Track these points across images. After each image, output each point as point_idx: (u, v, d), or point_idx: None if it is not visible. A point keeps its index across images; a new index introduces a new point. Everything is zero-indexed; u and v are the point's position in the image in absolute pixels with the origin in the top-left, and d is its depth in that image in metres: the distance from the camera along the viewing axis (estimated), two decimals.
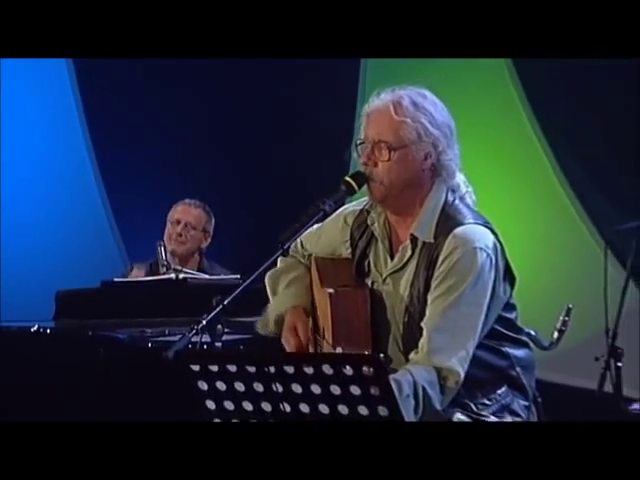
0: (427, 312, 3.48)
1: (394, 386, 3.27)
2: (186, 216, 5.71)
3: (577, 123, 6.88)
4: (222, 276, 5.21)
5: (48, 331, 4.83)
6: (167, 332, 4.68)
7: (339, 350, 3.50)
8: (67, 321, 5.15)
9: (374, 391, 3.04)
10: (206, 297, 3.68)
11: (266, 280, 3.84)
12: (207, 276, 5.24)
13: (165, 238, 5.70)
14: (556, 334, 4.65)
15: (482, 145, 6.87)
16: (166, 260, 5.48)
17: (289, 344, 3.71)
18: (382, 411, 3.06)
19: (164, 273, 5.39)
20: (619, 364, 4.37)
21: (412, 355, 3.48)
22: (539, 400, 4.47)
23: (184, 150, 7.97)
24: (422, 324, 3.48)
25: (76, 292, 5.30)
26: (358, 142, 3.57)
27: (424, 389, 3.36)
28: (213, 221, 5.75)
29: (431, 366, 3.40)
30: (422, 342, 3.45)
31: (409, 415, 3.32)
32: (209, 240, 5.75)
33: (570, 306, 4.63)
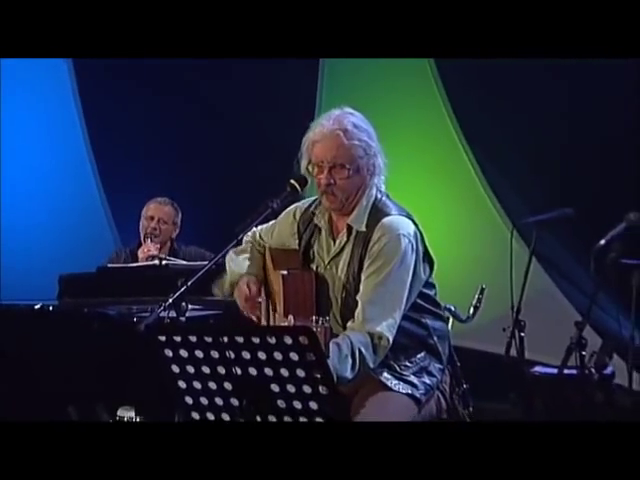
0: (361, 288, 3.53)
1: (335, 348, 3.35)
2: (158, 213, 5.72)
3: (493, 122, 6.81)
4: (194, 262, 5.20)
5: (50, 309, 4.80)
6: (150, 309, 4.66)
7: (290, 320, 3.52)
8: (67, 300, 5.11)
9: (309, 357, 3.07)
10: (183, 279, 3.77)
11: (226, 259, 3.84)
12: (184, 262, 5.25)
13: (141, 230, 5.69)
14: (472, 310, 4.69)
15: (406, 142, 6.78)
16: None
17: (242, 304, 3.76)
18: (316, 373, 3.09)
19: (148, 260, 5.42)
20: (522, 334, 4.38)
21: (349, 324, 3.52)
22: (458, 364, 4.51)
23: (169, 147, 7.76)
24: (357, 298, 3.52)
25: (75, 276, 5.25)
26: (313, 163, 3.59)
27: (360, 350, 3.40)
28: (180, 214, 5.75)
29: (365, 332, 3.45)
30: (357, 313, 3.50)
31: (347, 372, 3.36)
32: (177, 230, 5.77)
33: (483, 286, 4.67)
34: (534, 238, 4.45)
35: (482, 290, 4.66)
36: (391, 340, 3.47)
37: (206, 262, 3.77)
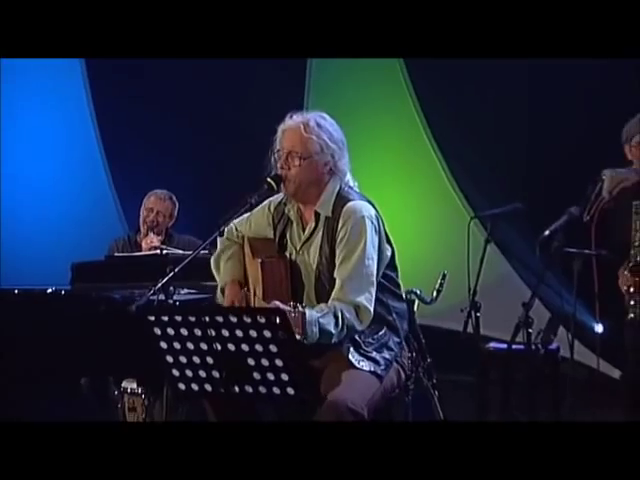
0: (338, 267, 3.53)
1: (322, 308, 3.41)
2: (157, 206, 5.73)
3: (458, 119, 6.78)
4: (190, 252, 5.22)
5: (62, 292, 4.76)
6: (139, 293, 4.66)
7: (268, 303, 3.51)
8: (78, 285, 5.10)
9: (281, 335, 3.10)
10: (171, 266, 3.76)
11: (211, 262, 3.88)
12: (181, 251, 5.26)
13: (141, 220, 5.71)
14: (435, 293, 4.71)
15: (376, 137, 6.74)
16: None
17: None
18: (287, 350, 3.11)
19: (150, 250, 5.44)
20: (478, 314, 4.39)
21: (332, 297, 3.51)
22: (423, 341, 4.54)
23: (169, 144, 7.74)
24: (335, 275, 3.52)
25: (86, 263, 5.26)
26: (276, 151, 3.63)
27: (342, 313, 3.42)
28: (177, 206, 5.77)
29: (348, 303, 3.46)
30: (337, 289, 3.50)
31: (332, 327, 3.38)
32: (173, 220, 5.78)
33: (445, 272, 4.69)
34: (489, 229, 4.46)
35: (444, 276, 4.69)
36: (372, 311, 3.49)
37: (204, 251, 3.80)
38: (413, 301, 4.69)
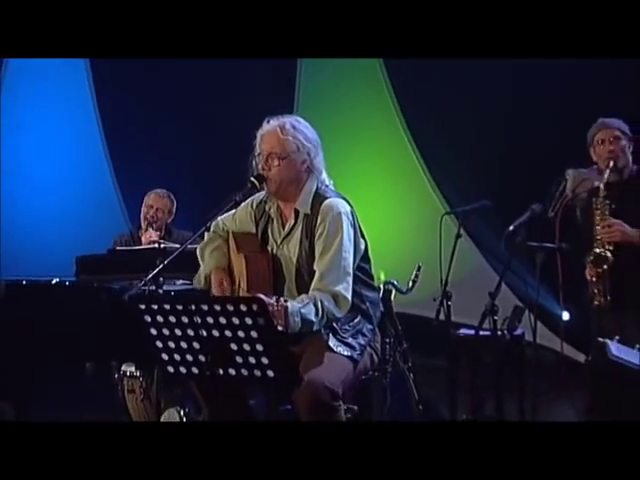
0: (317, 260, 3.57)
1: (303, 298, 3.45)
2: (157, 203, 5.78)
3: (436, 118, 6.75)
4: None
5: (67, 283, 4.83)
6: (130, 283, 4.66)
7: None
8: (83, 277, 5.13)
9: (260, 321, 3.14)
10: (180, 259, 3.76)
11: (197, 251, 3.91)
12: (178, 245, 5.29)
13: (142, 216, 5.75)
14: (410, 284, 4.75)
15: (357, 137, 6.71)
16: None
17: (217, 293, 3.78)
18: (267, 336, 3.15)
19: (150, 244, 5.48)
20: (449, 303, 4.42)
21: (313, 287, 3.55)
22: (400, 328, 4.57)
23: (168, 144, 7.69)
24: (315, 268, 3.56)
25: (89, 257, 5.28)
26: (257, 154, 3.68)
27: (322, 302, 3.47)
28: (175, 204, 5.82)
29: (327, 292, 3.51)
30: (316, 280, 3.54)
31: (312, 316, 3.42)
32: (172, 216, 5.82)
33: (420, 264, 4.73)
34: (458, 225, 4.49)
35: (419, 267, 4.73)
36: (349, 299, 3.53)
37: (192, 246, 3.84)
38: (390, 291, 4.73)
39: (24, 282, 4.85)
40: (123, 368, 4.74)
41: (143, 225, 5.75)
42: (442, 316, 4.34)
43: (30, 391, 4.93)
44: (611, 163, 4.39)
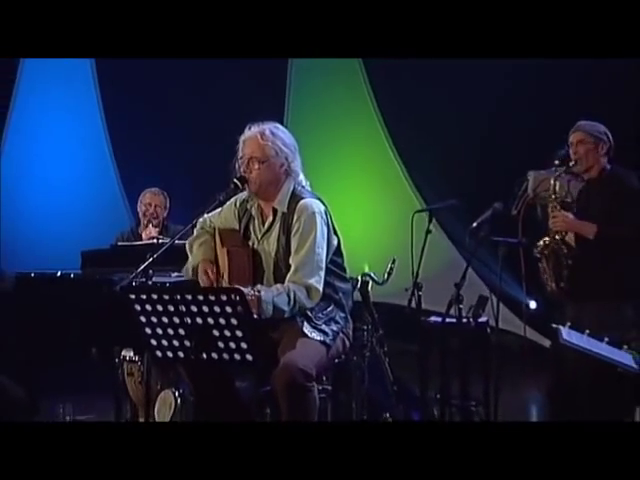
0: (293, 255, 3.62)
1: (277, 288, 3.49)
2: (154, 200, 5.84)
3: (414, 119, 6.69)
4: (181, 241, 5.29)
5: (71, 275, 4.85)
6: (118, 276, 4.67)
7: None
8: (87, 269, 5.16)
9: (239, 309, 3.19)
10: (173, 253, 3.82)
11: (186, 245, 3.96)
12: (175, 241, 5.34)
13: (140, 213, 5.80)
14: (386, 275, 4.77)
15: (337, 138, 6.66)
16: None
17: (203, 281, 3.84)
18: (246, 323, 3.19)
19: (149, 240, 5.52)
20: (420, 293, 4.45)
21: (287, 279, 3.60)
22: (376, 315, 4.60)
23: (175, 143, 7.69)
24: (290, 262, 3.61)
25: (94, 251, 5.32)
26: (239, 157, 3.73)
27: (295, 292, 3.53)
28: (169, 200, 5.87)
29: (300, 284, 3.56)
30: (292, 273, 3.60)
31: (285, 305, 3.48)
32: (167, 211, 5.87)
33: (394, 258, 4.75)
34: (428, 222, 4.52)
35: (394, 261, 4.75)
36: (321, 290, 3.58)
37: (181, 241, 3.88)
38: (368, 282, 4.75)
39: (32, 274, 4.88)
40: (123, 353, 4.78)
41: (143, 222, 5.80)
42: (414, 304, 4.37)
43: (42, 375, 4.96)
44: (571, 164, 4.41)
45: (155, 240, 5.36)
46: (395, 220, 6.64)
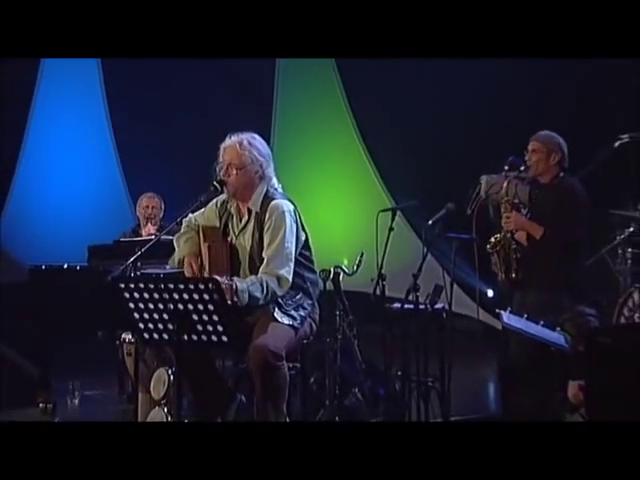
0: (265, 249, 3.68)
1: (252, 278, 3.54)
2: (151, 203, 5.91)
3: (383, 117, 6.61)
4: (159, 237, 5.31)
5: (77, 268, 4.92)
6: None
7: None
8: (93, 262, 5.22)
9: (215, 297, 3.24)
10: (164, 247, 3.91)
11: (174, 240, 4.01)
12: (170, 237, 5.36)
13: (139, 215, 5.85)
14: (355, 267, 4.79)
15: (309, 137, 6.58)
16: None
17: (188, 272, 3.89)
18: (221, 309, 3.23)
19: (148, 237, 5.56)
20: (384, 283, 4.47)
21: (260, 271, 3.66)
22: (346, 303, 4.62)
23: (175, 143, 7.61)
24: (263, 255, 3.67)
25: (99, 246, 5.37)
26: (219, 162, 3.78)
27: (267, 282, 3.59)
28: (163, 202, 5.91)
29: (272, 274, 3.62)
30: (264, 265, 3.66)
31: (258, 293, 3.53)
32: (163, 211, 5.92)
33: (363, 252, 4.77)
34: (391, 220, 4.54)
35: (362, 254, 4.77)
36: (290, 280, 3.63)
37: (167, 237, 3.92)
38: (339, 273, 4.78)
39: (43, 267, 4.95)
40: (122, 335, 4.83)
41: (143, 222, 5.88)
42: (379, 293, 4.39)
43: (54, 356, 5.00)
44: (521, 168, 4.46)
45: (153, 237, 5.41)
46: (366, 218, 6.62)
